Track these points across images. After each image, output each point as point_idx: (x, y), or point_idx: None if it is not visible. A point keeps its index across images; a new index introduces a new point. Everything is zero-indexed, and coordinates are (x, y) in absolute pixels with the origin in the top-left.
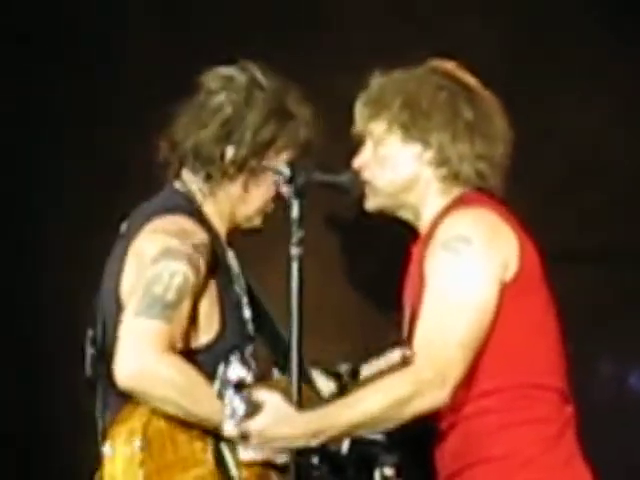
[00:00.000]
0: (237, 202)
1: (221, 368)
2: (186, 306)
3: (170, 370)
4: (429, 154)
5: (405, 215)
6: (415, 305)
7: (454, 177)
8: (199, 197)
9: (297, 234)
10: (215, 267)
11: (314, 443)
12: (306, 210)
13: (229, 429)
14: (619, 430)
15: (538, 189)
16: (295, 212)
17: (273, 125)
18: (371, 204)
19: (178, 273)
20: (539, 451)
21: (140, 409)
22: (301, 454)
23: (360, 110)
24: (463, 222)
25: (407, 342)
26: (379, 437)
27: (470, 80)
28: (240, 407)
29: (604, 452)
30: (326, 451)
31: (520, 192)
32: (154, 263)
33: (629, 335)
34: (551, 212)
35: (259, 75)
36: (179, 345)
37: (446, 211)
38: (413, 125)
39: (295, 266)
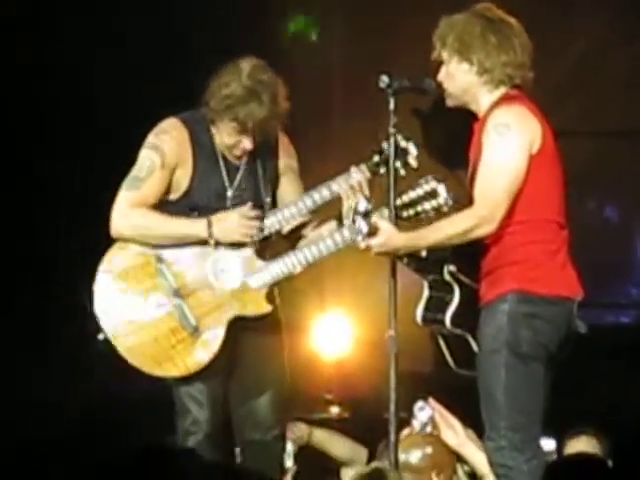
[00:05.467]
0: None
1: (354, 203)
2: (156, 176)
3: (135, 218)
4: (474, 68)
5: (472, 107)
6: (475, 163)
7: (491, 80)
8: None
9: (393, 120)
10: (197, 155)
11: (409, 252)
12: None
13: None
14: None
15: None
16: (392, 105)
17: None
18: (449, 103)
19: (146, 157)
20: (544, 259)
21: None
22: (400, 257)
23: (434, 42)
24: (505, 114)
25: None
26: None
27: (497, 14)
28: (364, 228)
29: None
30: (412, 255)
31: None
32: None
33: None
34: None
35: (235, 70)
36: (154, 199)
37: (495, 105)
38: (460, 52)
39: (392, 140)
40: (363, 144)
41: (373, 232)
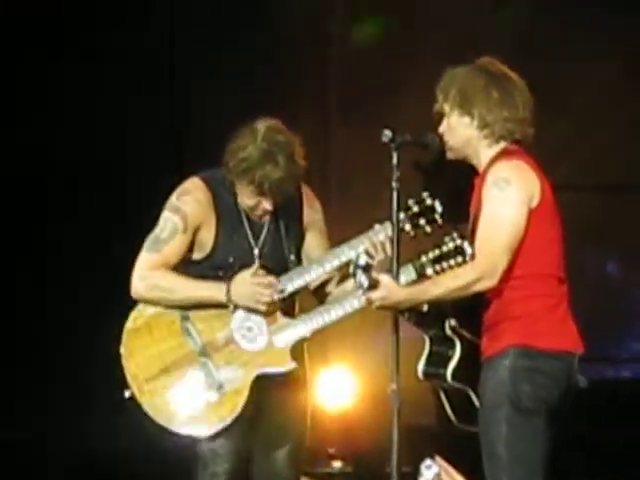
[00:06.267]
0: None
1: (355, 258)
2: (178, 239)
3: (155, 279)
4: (475, 122)
5: (471, 161)
6: (476, 217)
7: (492, 134)
8: None
9: (396, 174)
10: (220, 215)
11: (410, 305)
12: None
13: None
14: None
15: None
16: (394, 160)
17: (247, 162)
18: (450, 155)
19: (168, 219)
20: (545, 313)
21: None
22: (401, 312)
23: (437, 94)
24: (505, 168)
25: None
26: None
27: (500, 69)
28: (365, 282)
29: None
30: (413, 309)
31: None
32: (163, 213)
33: None
34: None
35: (251, 133)
36: (176, 260)
37: (495, 159)
38: (462, 105)
39: (395, 194)
40: (363, 202)
41: (374, 286)
